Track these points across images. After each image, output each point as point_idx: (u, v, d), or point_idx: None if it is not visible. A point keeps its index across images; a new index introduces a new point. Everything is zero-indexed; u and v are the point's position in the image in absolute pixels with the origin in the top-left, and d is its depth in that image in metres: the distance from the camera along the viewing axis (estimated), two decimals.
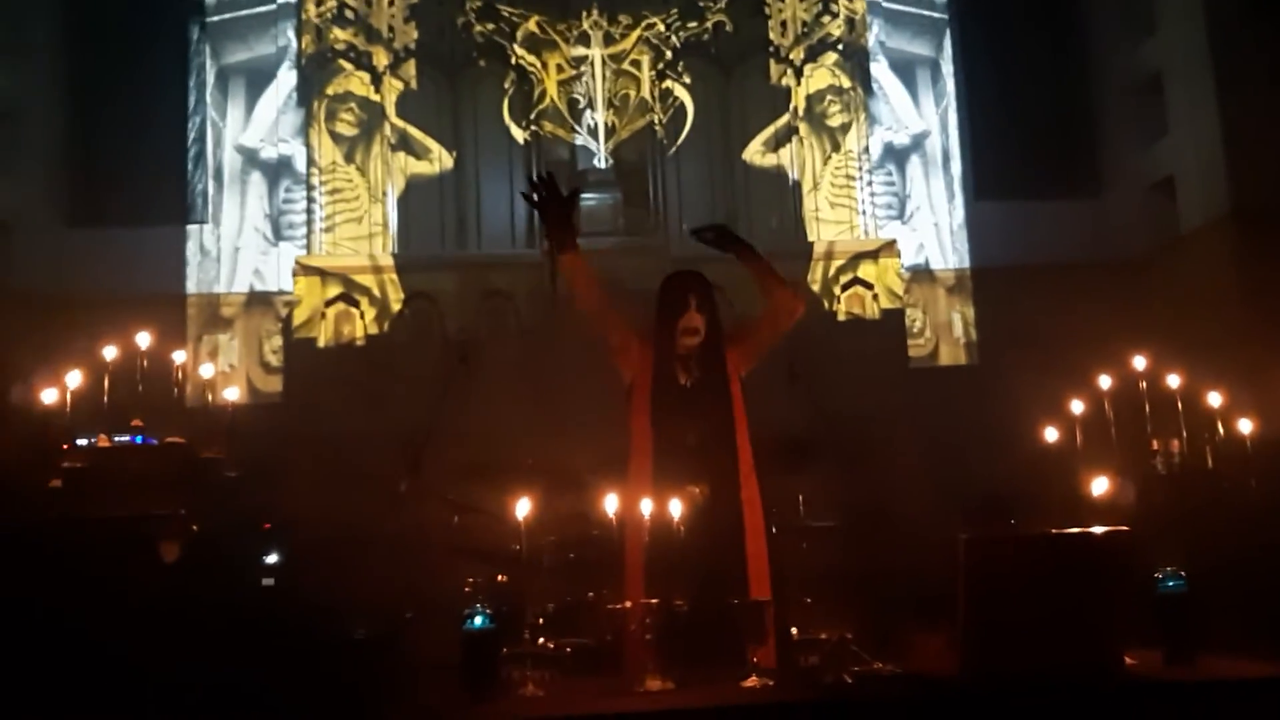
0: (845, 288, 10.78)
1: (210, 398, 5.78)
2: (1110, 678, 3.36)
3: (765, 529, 4.21)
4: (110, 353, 5.13)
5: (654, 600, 3.88)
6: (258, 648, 4.91)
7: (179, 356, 5.67)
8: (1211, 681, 3.40)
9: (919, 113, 11.42)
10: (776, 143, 11.23)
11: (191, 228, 10.66)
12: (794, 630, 4.21)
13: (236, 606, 5.21)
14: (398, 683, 4.40)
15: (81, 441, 5.01)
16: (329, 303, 10.44)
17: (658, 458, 4.16)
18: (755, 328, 4.44)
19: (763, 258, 4.57)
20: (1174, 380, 5.78)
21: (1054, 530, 3.72)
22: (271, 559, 6.32)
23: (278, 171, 10.90)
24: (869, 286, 10.81)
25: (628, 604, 3.95)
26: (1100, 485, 4.13)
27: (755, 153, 11.20)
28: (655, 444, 4.19)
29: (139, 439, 5.13)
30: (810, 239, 11.01)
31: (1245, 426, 5.41)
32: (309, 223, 10.78)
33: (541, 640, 4.47)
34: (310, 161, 10.85)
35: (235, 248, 10.73)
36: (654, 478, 4.10)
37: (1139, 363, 5.94)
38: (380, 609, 5.79)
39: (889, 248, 10.96)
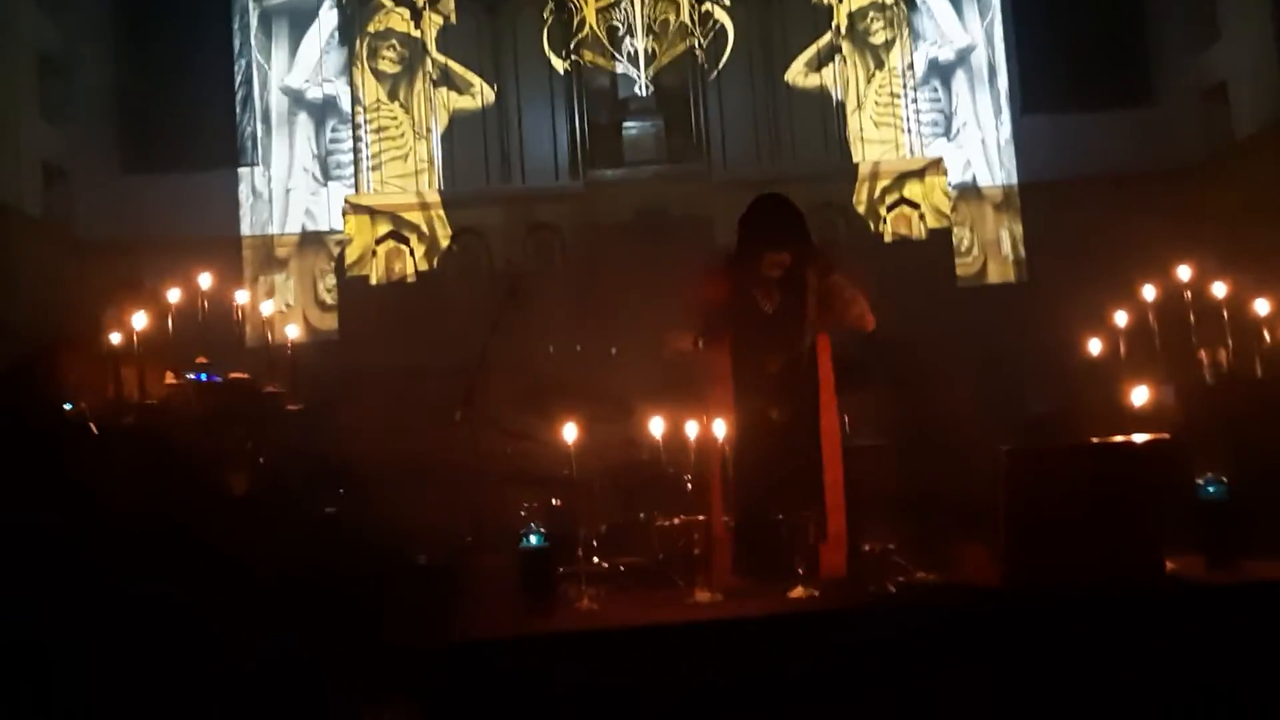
0: (891, 208, 10.71)
1: (270, 335, 5.93)
2: (1151, 583, 3.43)
3: (842, 457, 4.20)
4: (174, 295, 5.28)
5: (703, 518, 4.01)
6: (323, 575, 5.11)
7: (240, 296, 5.83)
8: (1251, 584, 3.46)
9: (964, 26, 11.21)
10: (819, 63, 11.10)
11: (243, 170, 10.83)
12: (866, 546, 4.26)
13: (303, 536, 5.41)
14: (460, 604, 4.56)
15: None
16: (379, 240, 10.59)
17: (739, 383, 4.16)
18: (829, 306, 4.28)
19: (839, 276, 4.35)
20: (1220, 289, 5.73)
21: (1095, 440, 3.77)
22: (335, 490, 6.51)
23: (324, 111, 11.01)
24: (915, 206, 10.73)
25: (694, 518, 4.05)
26: (1141, 395, 4.16)
27: (798, 74, 11.09)
28: (736, 369, 4.19)
29: (204, 377, 5.29)
30: (855, 159, 10.93)
31: None
32: (356, 162, 10.90)
33: (595, 559, 4.64)
34: (355, 100, 10.94)
35: (286, 189, 10.90)
36: (735, 403, 4.12)
37: (1184, 273, 5.90)
38: (440, 536, 5.98)
39: (935, 166, 10.84)
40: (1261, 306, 5.60)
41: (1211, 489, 3.70)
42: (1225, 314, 5.63)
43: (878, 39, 11.12)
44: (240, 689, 4.27)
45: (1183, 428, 4.28)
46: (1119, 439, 3.74)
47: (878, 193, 10.73)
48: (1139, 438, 3.69)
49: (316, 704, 4.55)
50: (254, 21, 10.94)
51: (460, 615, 4.03)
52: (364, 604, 5.23)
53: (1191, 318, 5.73)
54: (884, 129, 11.07)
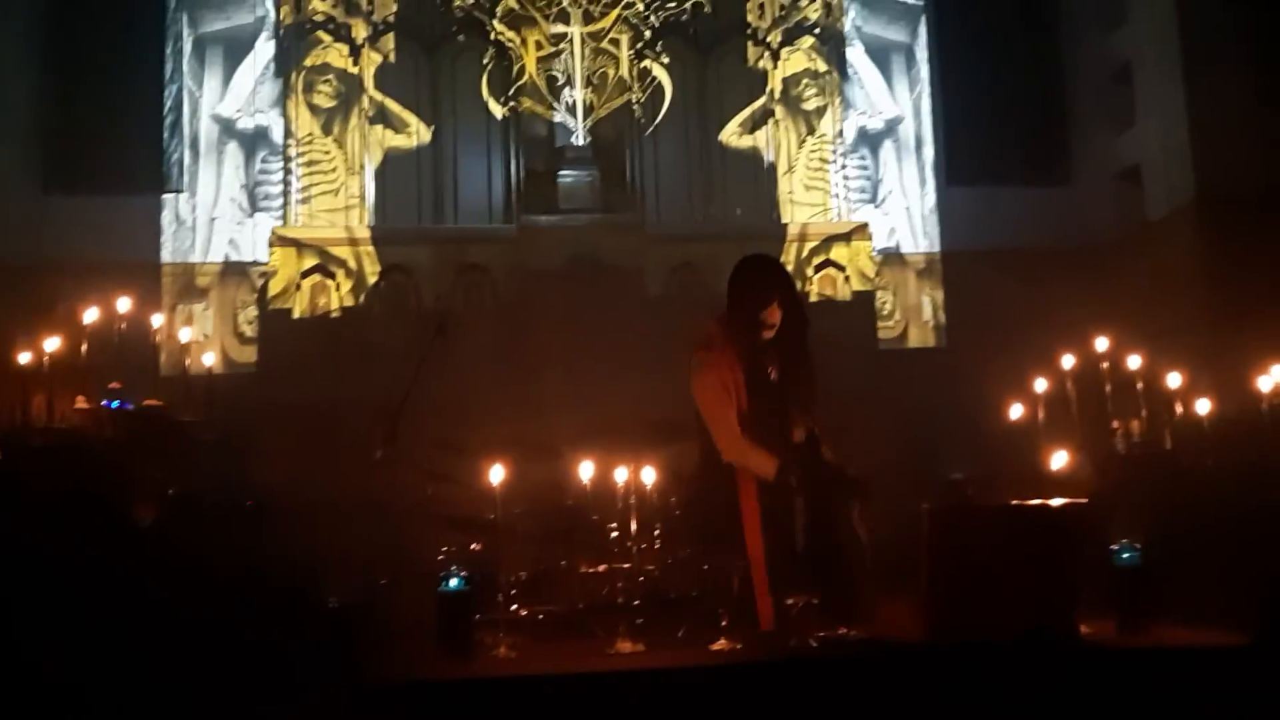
0: (818, 269, 10.89)
1: (187, 363, 5.80)
2: (1066, 644, 3.49)
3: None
4: (90, 315, 5.14)
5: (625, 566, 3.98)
6: (233, 612, 4.95)
7: (157, 320, 5.69)
8: (1161, 649, 3.53)
9: (893, 98, 11.53)
10: (753, 125, 11.30)
11: (167, 197, 10.60)
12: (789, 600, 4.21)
13: (211, 571, 5.25)
14: (374, 647, 4.46)
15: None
16: (305, 274, 10.45)
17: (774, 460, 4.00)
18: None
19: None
20: (1135, 361, 5.91)
21: (1014, 501, 3.84)
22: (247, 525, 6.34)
23: (254, 142, 10.87)
24: (841, 268, 10.93)
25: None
26: (1059, 459, 4.25)
27: (731, 134, 11.27)
28: (760, 441, 4.04)
29: (116, 403, 5.14)
30: (784, 220, 11.10)
31: (1203, 407, 5.55)
32: (285, 194, 10.76)
33: (514, 606, 4.57)
34: (287, 133, 10.82)
35: (211, 217, 10.70)
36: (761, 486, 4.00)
37: (1101, 344, 6.08)
38: (356, 576, 5.85)
39: (861, 230, 11.07)
40: (1173, 380, 5.79)
41: (1125, 554, 3.78)
42: (1140, 385, 5.80)
43: (810, 105, 11.36)
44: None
45: (1097, 494, 4.37)
46: (1038, 501, 3.81)
47: (805, 253, 10.91)
48: (1057, 501, 3.76)
49: None
50: (188, 47, 10.79)
51: (374, 658, 3.94)
52: (272, 643, 5.09)
53: (1108, 387, 5.88)
54: (813, 192, 11.28)
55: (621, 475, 4.11)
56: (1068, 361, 6.03)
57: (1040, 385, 5.93)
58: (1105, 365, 5.95)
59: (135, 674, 4.38)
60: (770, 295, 4.12)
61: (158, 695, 4.34)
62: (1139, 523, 4.10)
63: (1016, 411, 5.85)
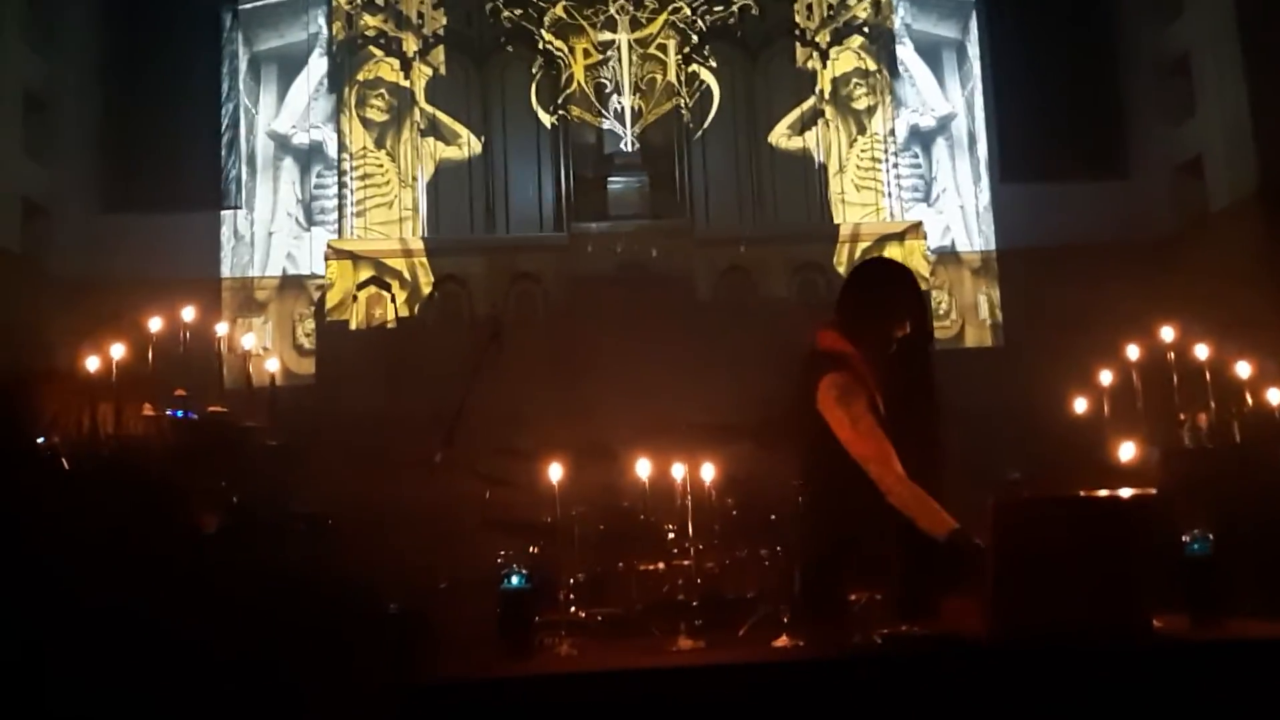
0: None
1: (250, 371, 5.87)
2: (1137, 639, 3.40)
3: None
4: (155, 325, 5.23)
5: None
6: (294, 621, 5.00)
7: (220, 329, 5.78)
8: (1237, 642, 3.43)
9: (945, 95, 11.43)
10: (802, 126, 11.26)
11: (225, 213, 10.80)
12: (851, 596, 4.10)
13: (274, 578, 5.31)
14: (434, 650, 4.47)
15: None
16: (360, 286, 10.58)
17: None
18: None
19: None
20: (1202, 352, 5.78)
21: (1082, 493, 3.75)
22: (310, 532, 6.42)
23: (310, 157, 11.04)
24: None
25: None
26: (1127, 451, 4.16)
27: (781, 136, 11.23)
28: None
29: (181, 412, 5.22)
30: (836, 221, 11.03)
31: (1274, 398, 5.41)
32: (340, 207, 10.91)
33: (573, 608, 4.56)
34: (341, 147, 10.98)
35: (268, 232, 10.89)
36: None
37: (1167, 334, 5.95)
38: (415, 583, 5.88)
39: (915, 230, 10.97)
40: (1242, 370, 5.65)
41: (1197, 546, 3.68)
42: (1208, 376, 5.66)
43: (860, 104, 11.30)
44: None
45: (1165, 487, 4.27)
46: (1105, 493, 3.71)
47: (858, 254, 10.83)
48: (1125, 492, 3.67)
49: None
50: (243, 66, 10.99)
51: (434, 660, 3.94)
52: (335, 647, 5.13)
53: (1175, 379, 5.75)
54: (865, 192, 11.21)
55: (678, 474, 4.08)
56: (1133, 353, 5.90)
57: (1105, 378, 5.81)
58: (1171, 356, 5.81)
59: (202, 679, 4.43)
60: (909, 311, 3.79)
61: (224, 698, 4.39)
62: (1209, 515, 3.99)
63: (1080, 406, 5.74)
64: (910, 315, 3.77)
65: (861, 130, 11.25)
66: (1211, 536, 3.69)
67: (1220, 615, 3.60)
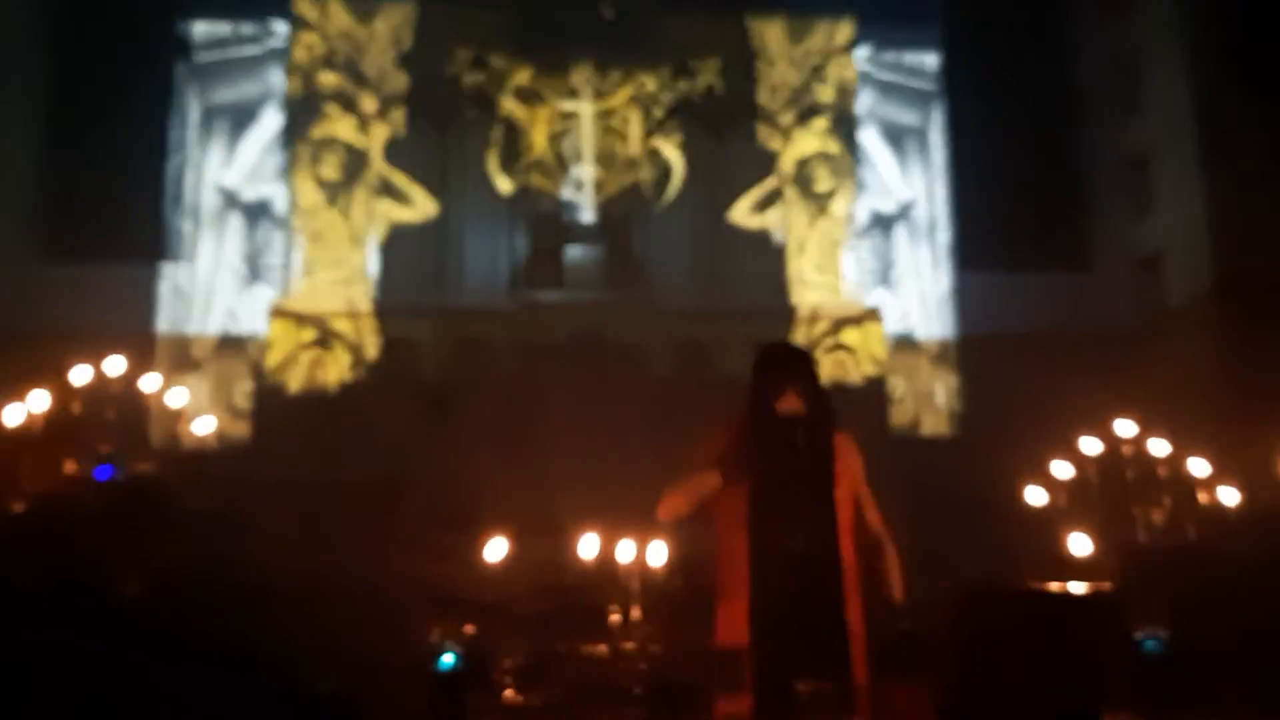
0: (829, 352, 10.75)
1: (181, 429, 5.61)
2: None
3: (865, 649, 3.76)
4: (81, 376, 4.97)
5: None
6: (220, 696, 4.72)
7: (150, 383, 5.51)
8: None
9: (906, 181, 11.50)
10: (763, 205, 11.26)
11: (166, 266, 10.51)
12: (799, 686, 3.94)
13: (196, 647, 5.02)
14: None
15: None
16: (304, 347, 10.30)
17: (757, 565, 3.71)
18: (862, 504, 3.90)
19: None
20: (1159, 447, 5.72)
21: (1037, 586, 3.66)
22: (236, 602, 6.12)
23: (257, 213, 10.81)
24: (852, 352, 10.80)
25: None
26: (1082, 545, 4.05)
27: (742, 213, 11.22)
28: (754, 549, 3.73)
29: (106, 470, 4.95)
30: (794, 301, 11.00)
31: (1229, 496, 5.34)
32: (287, 266, 10.67)
33: (510, 692, 4.33)
34: (292, 204, 10.78)
35: (209, 288, 10.59)
36: (753, 587, 3.81)
37: (1124, 428, 5.89)
38: (347, 658, 5.61)
39: (872, 314, 10.96)
40: (1197, 467, 5.58)
41: (1150, 643, 3.57)
42: (1162, 473, 5.59)
43: (822, 187, 11.34)
44: None
45: (1119, 582, 4.16)
46: (1060, 585, 3.62)
47: (815, 335, 10.78)
48: (1080, 585, 3.58)
49: None
50: (194, 117, 10.79)
51: None
52: None
53: (1129, 474, 5.68)
54: (825, 274, 11.19)
55: (626, 554, 3.89)
56: (1089, 446, 5.82)
57: (1061, 470, 5.72)
58: (1127, 451, 5.74)
59: None
60: (783, 386, 3.80)
61: None
62: (1163, 612, 3.88)
63: (1036, 497, 5.63)
64: (788, 388, 3.74)
65: (822, 212, 11.28)
66: (1166, 634, 3.59)
67: (1174, 713, 3.49)
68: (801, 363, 4.01)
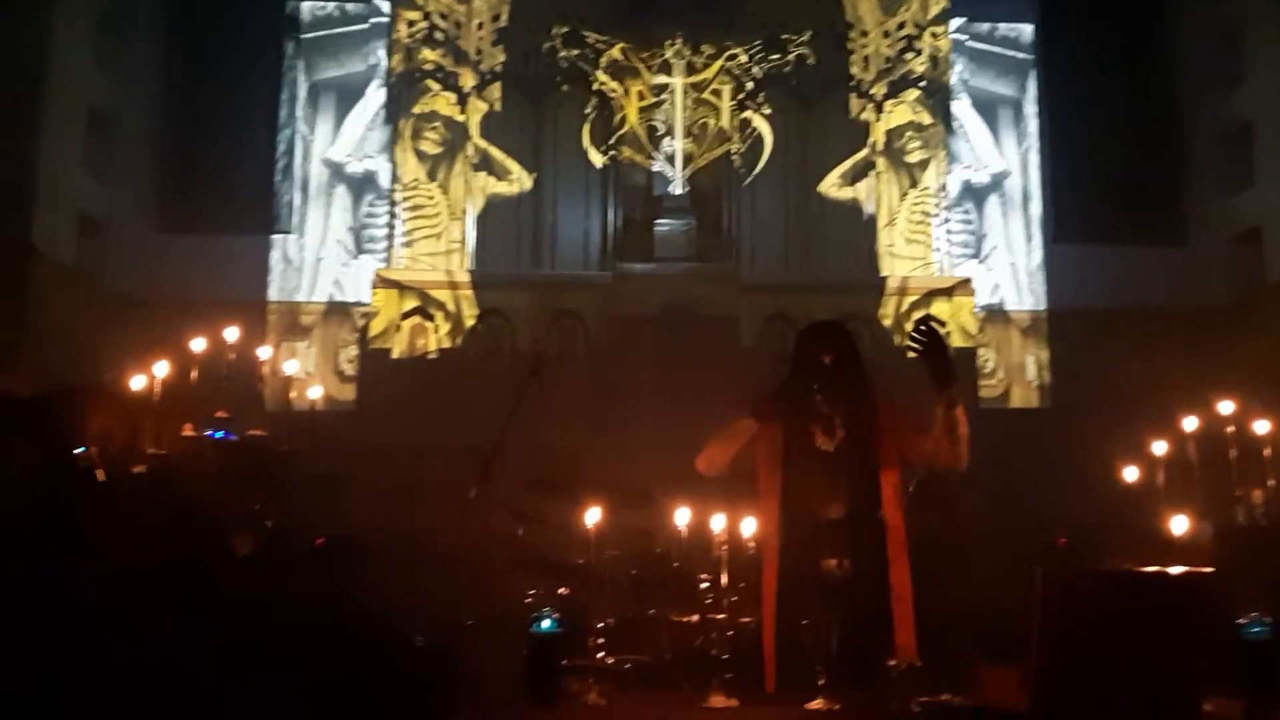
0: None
1: (292, 396, 5.87)
2: None
3: (914, 619, 3.88)
4: (198, 345, 5.24)
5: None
6: (322, 648, 4.95)
7: (264, 352, 5.78)
8: None
9: (1000, 152, 11.35)
10: (854, 177, 11.22)
11: (276, 237, 10.90)
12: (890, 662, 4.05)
13: (303, 605, 5.26)
14: (458, 690, 4.40)
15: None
16: (405, 315, 10.62)
17: (789, 532, 3.88)
18: (916, 442, 3.97)
19: (956, 400, 3.97)
20: (1261, 426, 5.62)
21: (1135, 568, 3.63)
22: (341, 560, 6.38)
23: (362, 186, 11.14)
24: (942, 324, 10.72)
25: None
26: (1180, 524, 4.03)
27: (831, 185, 11.20)
28: (784, 517, 3.92)
29: (220, 433, 5.22)
30: (884, 274, 10.95)
31: None
32: (389, 237, 10.98)
33: (602, 654, 4.47)
34: (394, 177, 11.07)
35: (317, 258, 10.96)
36: (785, 552, 3.88)
37: (1225, 407, 5.80)
38: (443, 618, 5.82)
39: (963, 286, 10.87)
40: None
41: (1255, 629, 3.53)
42: (1266, 452, 5.50)
43: (913, 158, 11.24)
44: None
45: (1221, 566, 4.13)
46: (1159, 569, 3.58)
47: (905, 308, 10.73)
48: (1180, 569, 3.54)
49: None
50: (302, 93, 11.14)
51: (459, 699, 3.88)
52: (359, 679, 5.06)
53: (1233, 453, 5.60)
54: (914, 246, 11.13)
55: (717, 524, 4.00)
56: (1189, 424, 5.75)
57: (1158, 448, 5.66)
58: (1229, 430, 5.66)
59: (227, 702, 4.37)
60: (819, 358, 3.96)
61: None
62: (1266, 596, 3.85)
63: (1131, 474, 5.59)
64: (824, 354, 3.92)
65: (914, 183, 11.20)
66: (1269, 619, 3.56)
67: (1277, 703, 3.46)
68: (834, 332, 4.09)
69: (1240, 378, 7.34)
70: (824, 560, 3.86)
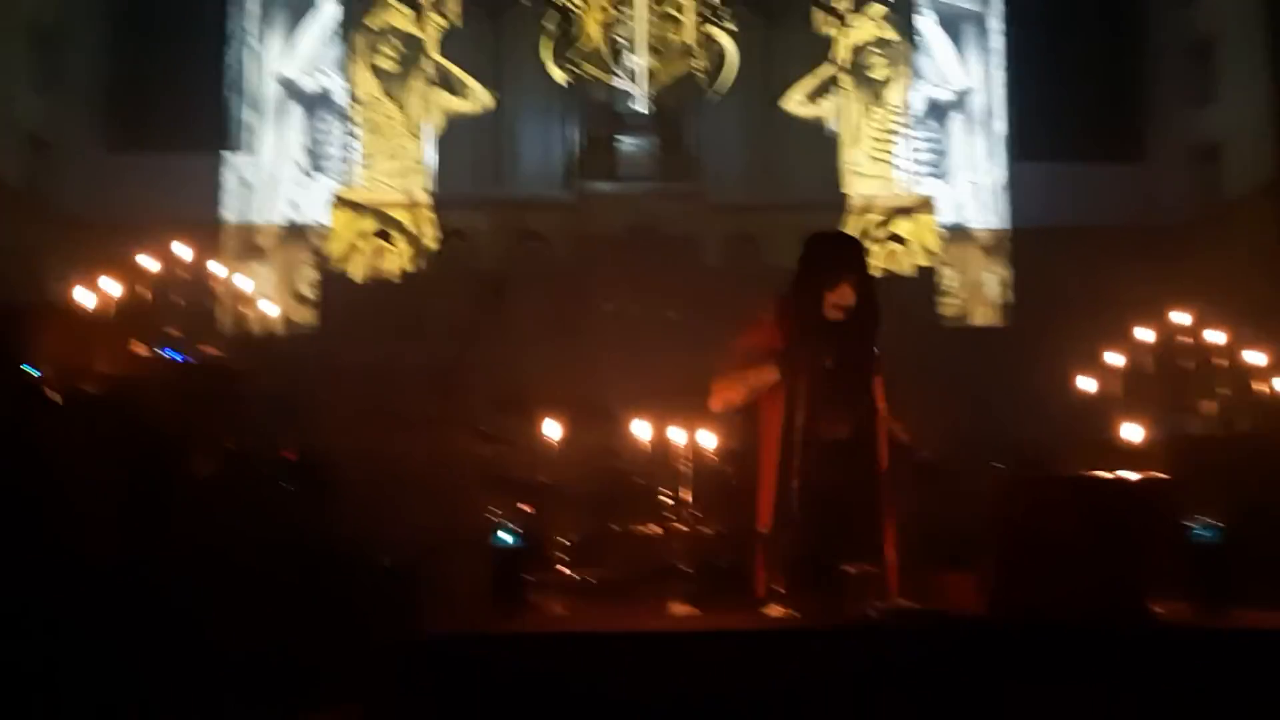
0: (881, 243, 10.70)
1: (247, 314, 5.78)
2: (1137, 622, 3.35)
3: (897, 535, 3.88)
4: (150, 263, 5.13)
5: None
6: (289, 573, 4.95)
7: (217, 269, 5.67)
8: (1240, 631, 3.38)
9: (964, 69, 11.26)
10: (817, 94, 11.12)
11: (229, 156, 10.68)
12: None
13: (266, 525, 5.25)
14: (426, 606, 4.43)
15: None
16: (364, 237, 10.48)
17: (803, 452, 3.80)
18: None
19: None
20: (1216, 338, 5.70)
21: (1090, 473, 3.69)
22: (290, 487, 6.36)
23: (317, 104, 10.91)
24: (904, 242, 10.74)
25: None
26: (1135, 432, 4.09)
27: (796, 103, 11.09)
28: (787, 432, 3.83)
29: (174, 353, 5.13)
30: (847, 192, 10.92)
31: None
32: (346, 157, 10.78)
33: (565, 569, 4.51)
34: (350, 95, 10.84)
35: (272, 178, 10.76)
36: (798, 470, 3.81)
37: (1180, 319, 5.87)
38: (408, 536, 5.84)
39: (926, 204, 10.87)
40: (1255, 358, 5.57)
41: (1204, 533, 3.61)
42: (1219, 364, 5.58)
43: (878, 74, 11.15)
44: (196, 669, 4.11)
45: (1173, 473, 4.20)
46: (1113, 474, 3.65)
47: (868, 226, 10.72)
48: (1134, 474, 3.61)
49: (274, 692, 4.40)
50: (257, 8, 10.82)
51: (427, 616, 3.90)
52: (326, 599, 5.09)
53: (1188, 364, 5.68)
54: (878, 164, 11.09)
55: (678, 439, 4.02)
56: (1145, 335, 5.82)
57: (1114, 359, 5.74)
58: (1183, 341, 5.73)
59: (190, 624, 4.38)
60: (839, 276, 3.84)
61: (213, 645, 4.35)
62: (1216, 503, 3.92)
63: (1088, 385, 5.67)
64: (843, 281, 3.77)
65: (878, 101, 11.11)
66: (1218, 523, 3.63)
67: (1225, 604, 3.55)
68: (856, 253, 4.02)
69: (1196, 292, 7.42)
70: (830, 476, 3.82)
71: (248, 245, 10.60)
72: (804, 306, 3.87)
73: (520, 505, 5.32)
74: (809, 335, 3.83)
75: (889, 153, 11.07)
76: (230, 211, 10.63)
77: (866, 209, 10.79)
